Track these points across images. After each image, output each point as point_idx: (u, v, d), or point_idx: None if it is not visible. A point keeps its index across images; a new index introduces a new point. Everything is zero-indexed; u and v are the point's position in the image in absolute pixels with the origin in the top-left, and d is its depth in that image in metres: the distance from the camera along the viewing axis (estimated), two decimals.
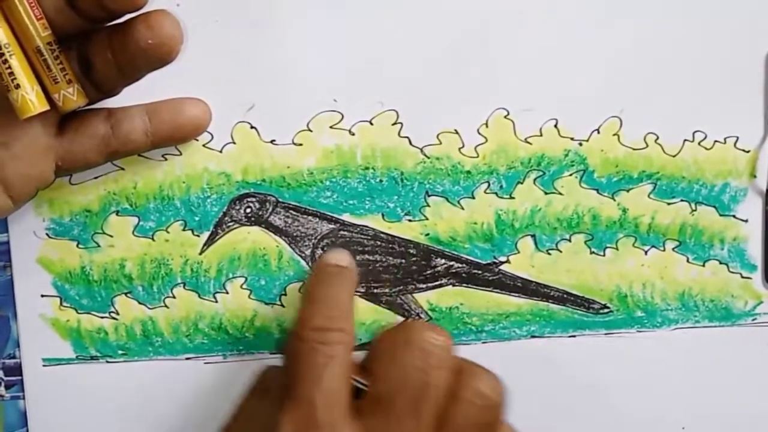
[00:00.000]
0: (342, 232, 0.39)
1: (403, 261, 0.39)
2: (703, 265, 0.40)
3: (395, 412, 0.30)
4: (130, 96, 0.34)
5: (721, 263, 0.40)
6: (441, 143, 0.38)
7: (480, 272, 0.39)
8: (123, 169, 0.38)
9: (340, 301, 0.32)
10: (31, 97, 0.30)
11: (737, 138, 0.39)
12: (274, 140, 0.38)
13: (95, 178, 0.38)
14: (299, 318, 0.32)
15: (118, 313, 0.38)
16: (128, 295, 0.38)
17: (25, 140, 0.32)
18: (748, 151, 0.39)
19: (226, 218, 0.38)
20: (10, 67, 0.30)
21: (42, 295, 0.38)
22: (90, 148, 0.33)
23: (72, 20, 0.30)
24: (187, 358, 0.39)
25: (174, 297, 0.38)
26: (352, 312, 0.33)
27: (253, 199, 0.38)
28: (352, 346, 0.31)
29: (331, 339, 0.31)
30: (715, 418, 0.41)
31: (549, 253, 0.39)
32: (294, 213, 0.38)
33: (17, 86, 0.30)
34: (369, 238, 0.39)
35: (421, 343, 0.30)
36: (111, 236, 0.38)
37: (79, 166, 0.33)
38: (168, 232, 0.38)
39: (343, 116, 0.38)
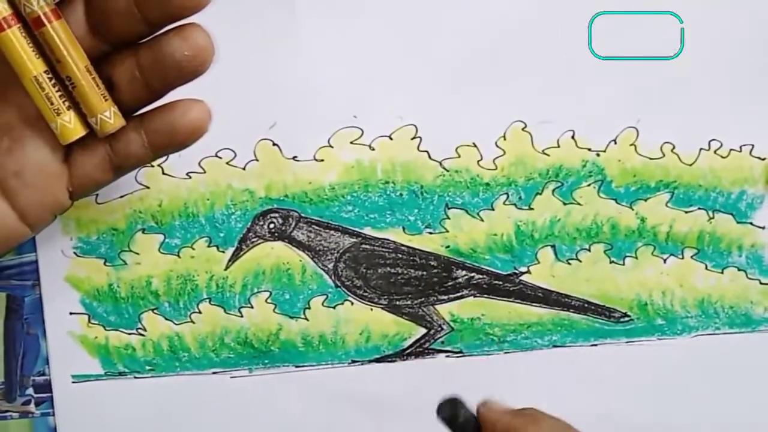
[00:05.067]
0: (364, 246, 0.39)
1: (425, 273, 0.40)
2: (722, 272, 0.40)
3: None
4: None
5: (739, 270, 0.40)
6: (460, 156, 0.39)
7: (501, 283, 0.40)
8: (148, 187, 0.38)
9: None
10: (75, 121, 0.31)
11: (753, 146, 0.40)
12: (296, 156, 0.39)
13: (121, 197, 0.38)
14: None
15: (145, 330, 0.39)
16: (155, 311, 0.39)
17: (36, 168, 0.32)
18: (763, 159, 0.40)
19: (250, 234, 0.39)
20: (60, 90, 0.30)
21: (70, 313, 0.39)
22: (94, 168, 0.32)
23: (94, 46, 0.31)
24: (214, 373, 0.39)
25: (200, 312, 0.39)
26: None
27: (277, 215, 0.39)
28: None
29: None
30: (737, 425, 0.41)
31: (569, 263, 0.40)
32: (316, 228, 0.39)
33: (68, 108, 0.30)
34: (390, 251, 0.39)
35: None
36: (137, 254, 0.39)
37: (90, 187, 0.33)
38: (193, 249, 0.39)
39: (363, 132, 0.39)
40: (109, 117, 0.31)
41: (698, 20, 0.39)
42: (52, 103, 0.30)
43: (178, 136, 0.31)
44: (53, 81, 0.30)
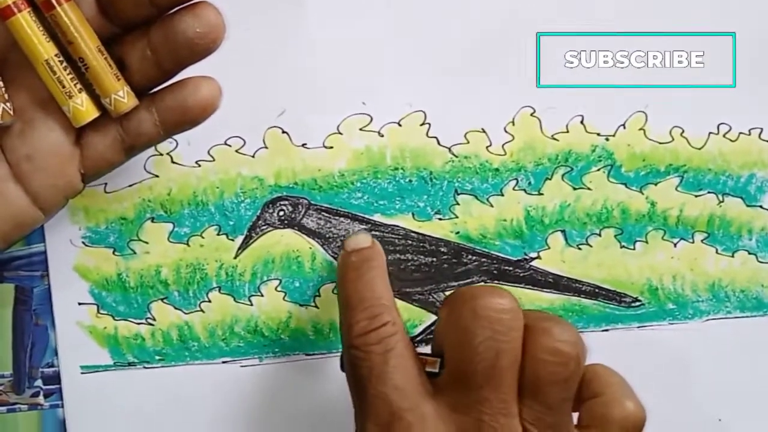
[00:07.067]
0: (373, 233, 0.39)
1: (435, 259, 0.39)
2: (732, 256, 0.40)
3: (475, 383, 0.30)
4: None
5: (750, 253, 0.40)
6: (469, 142, 0.39)
7: (511, 269, 0.40)
8: (157, 176, 0.38)
9: (375, 292, 0.33)
10: (87, 104, 0.31)
11: (761, 129, 0.40)
12: (305, 144, 0.38)
13: (130, 186, 0.38)
14: (345, 327, 0.33)
15: (154, 319, 0.39)
16: (164, 300, 0.39)
17: (48, 151, 0.32)
18: None
19: (260, 222, 0.39)
20: (71, 73, 0.30)
21: (79, 303, 0.39)
22: (106, 148, 0.32)
23: (105, 27, 0.31)
24: (224, 362, 0.39)
25: (210, 301, 0.39)
26: (391, 295, 0.33)
27: (286, 202, 0.39)
28: (404, 329, 0.32)
29: (382, 335, 0.32)
30: (750, 408, 0.41)
31: (579, 248, 0.40)
32: (326, 215, 0.39)
33: (80, 91, 0.30)
34: (400, 237, 0.39)
35: (487, 312, 0.30)
36: (146, 243, 0.38)
37: (103, 168, 0.33)
38: (203, 237, 0.39)
39: (372, 118, 0.39)
40: (123, 97, 0.31)
41: (706, 5, 0.39)
42: (63, 87, 0.30)
43: (189, 113, 0.32)
44: (64, 64, 0.30)
